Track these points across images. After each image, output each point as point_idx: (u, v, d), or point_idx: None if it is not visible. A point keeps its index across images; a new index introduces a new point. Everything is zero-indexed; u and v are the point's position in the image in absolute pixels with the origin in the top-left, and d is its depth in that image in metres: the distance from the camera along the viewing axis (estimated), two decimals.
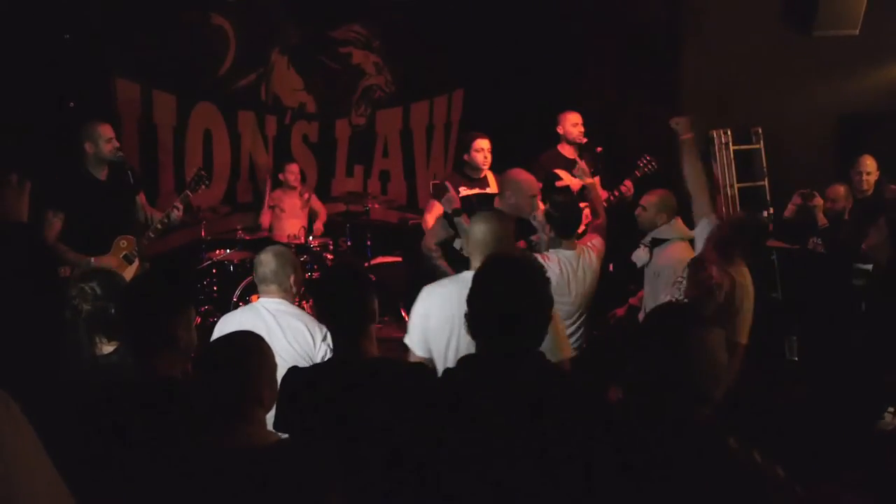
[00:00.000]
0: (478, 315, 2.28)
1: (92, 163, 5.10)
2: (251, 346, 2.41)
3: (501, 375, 2.20)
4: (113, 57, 7.18)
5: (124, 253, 5.09)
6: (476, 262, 3.32)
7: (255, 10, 7.94)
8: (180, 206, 5.34)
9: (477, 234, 3.35)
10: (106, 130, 5.17)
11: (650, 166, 6.08)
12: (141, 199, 5.38)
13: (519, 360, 2.23)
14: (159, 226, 5.22)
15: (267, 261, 3.62)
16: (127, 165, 5.33)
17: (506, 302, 2.24)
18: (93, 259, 4.92)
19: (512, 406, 2.14)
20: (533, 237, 4.80)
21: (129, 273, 4.99)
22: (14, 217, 3.78)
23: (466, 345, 3.04)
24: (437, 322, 3.26)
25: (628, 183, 6.09)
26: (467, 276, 3.25)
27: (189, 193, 5.50)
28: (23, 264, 3.36)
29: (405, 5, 8.37)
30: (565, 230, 4.42)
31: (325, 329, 3.40)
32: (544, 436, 2.09)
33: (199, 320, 6.08)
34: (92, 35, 6.88)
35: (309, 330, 3.49)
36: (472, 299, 2.31)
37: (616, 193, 6.09)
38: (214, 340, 2.58)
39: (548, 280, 2.35)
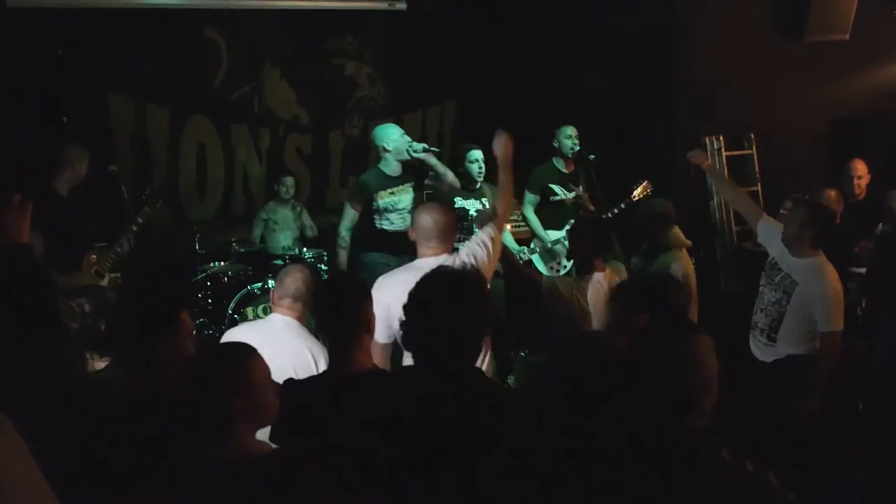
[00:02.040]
0: (413, 329, 2.28)
1: (63, 181, 5.16)
2: (240, 355, 2.38)
3: (437, 390, 2.22)
4: (106, 71, 7.19)
5: (94, 268, 5.13)
6: (423, 250, 3.56)
7: (247, 22, 7.95)
8: (129, 239, 5.34)
9: (423, 224, 3.56)
10: (86, 155, 5.33)
11: (646, 192, 6.10)
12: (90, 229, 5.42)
13: (454, 375, 2.25)
14: (113, 256, 5.24)
15: (302, 278, 3.56)
16: (119, 180, 5.37)
17: (442, 321, 2.26)
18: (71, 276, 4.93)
19: (448, 420, 2.17)
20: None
21: None
22: (16, 239, 3.76)
23: None
24: (398, 310, 3.27)
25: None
26: (418, 264, 3.51)
27: (147, 210, 5.51)
28: (25, 288, 3.34)
29: (397, 16, 8.38)
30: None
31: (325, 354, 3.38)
32: (484, 448, 2.11)
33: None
34: (85, 50, 6.89)
35: (313, 357, 3.42)
36: (408, 312, 2.31)
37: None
38: (203, 352, 2.56)
39: (487, 298, 2.36)
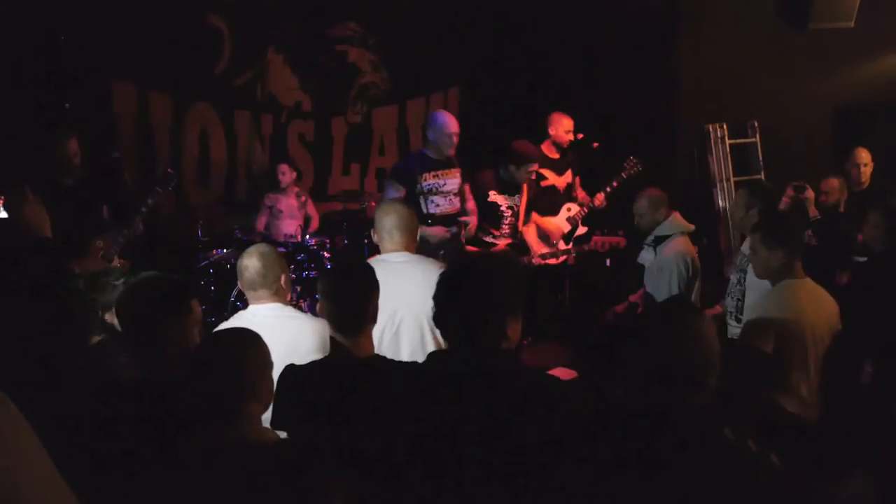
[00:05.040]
0: (444, 315, 2.30)
1: (58, 172, 5.18)
2: (243, 340, 2.41)
3: (466, 373, 2.22)
4: (108, 57, 7.18)
5: (102, 252, 5.14)
6: (386, 247, 3.77)
7: (249, 8, 7.93)
8: (140, 221, 5.33)
9: (385, 223, 3.75)
10: (71, 145, 5.28)
11: (635, 168, 6.10)
12: (104, 211, 5.40)
13: (484, 358, 2.25)
14: (121, 238, 5.23)
15: (251, 264, 3.36)
16: (124, 167, 5.37)
17: (467, 304, 2.26)
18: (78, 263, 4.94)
19: (480, 404, 2.16)
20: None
21: None
22: (38, 231, 3.78)
23: (395, 326, 3.48)
24: None
25: (601, 196, 6.14)
26: (386, 258, 3.73)
27: (159, 191, 5.48)
28: (46, 284, 3.35)
29: (400, 3, 8.36)
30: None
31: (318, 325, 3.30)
32: (517, 433, 2.11)
33: None
34: (87, 36, 6.88)
35: (311, 332, 3.31)
36: (437, 298, 2.32)
37: (593, 204, 6.16)
38: (206, 338, 2.57)
39: (518, 280, 2.36)
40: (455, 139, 5.65)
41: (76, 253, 5.02)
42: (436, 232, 5.57)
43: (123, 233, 5.24)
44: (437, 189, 5.70)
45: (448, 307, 2.28)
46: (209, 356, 2.37)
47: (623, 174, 6.12)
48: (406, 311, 3.52)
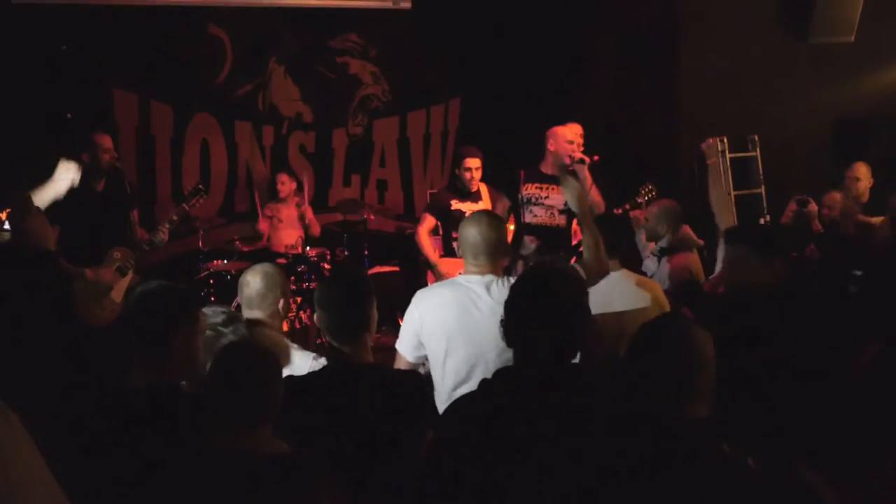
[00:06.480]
0: (514, 326, 2.29)
1: (89, 174, 5.11)
2: (268, 357, 2.41)
3: (536, 388, 2.21)
4: (110, 68, 7.20)
5: (118, 265, 5.06)
6: (469, 267, 3.29)
7: (251, 20, 7.96)
8: (166, 229, 5.32)
9: (468, 237, 3.28)
10: (104, 141, 5.22)
11: (651, 194, 6.07)
12: (134, 216, 5.38)
13: (555, 372, 2.25)
14: (146, 247, 5.21)
15: (253, 282, 3.32)
16: (124, 176, 5.36)
17: (543, 315, 2.26)
18: (87, 271, 4.89)
19: (545, 418, 2.15)
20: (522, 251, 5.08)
21: (122, 285, 4.99)
22: (41, 243, 3.77)
23: (464, 350, 3.12)
24: (432, 327, 3.22)
25: (618, 212, 6.11)
26: (462, 280, 3.28)
27: (185, 207, 5.49)
28: (46, 295, 3.34)
29: (401, 14, 8.39)
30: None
31: (310, 358, 3.27)
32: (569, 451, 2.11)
33: None
34: (89, 46, 6.90)
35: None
36: (509, 309, 2.32)
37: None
38: (229, 351, 2.55)
39: (586, 293, 2.37)
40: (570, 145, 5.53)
41: (89, 261, 4.99)
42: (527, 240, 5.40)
43: (151, 240, 5.22)
44: (536, 200, 5.54)
45: (542, 319, 2.27)
46: (240, 372, 2.35)
47: (638, 199, 6.08)
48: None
